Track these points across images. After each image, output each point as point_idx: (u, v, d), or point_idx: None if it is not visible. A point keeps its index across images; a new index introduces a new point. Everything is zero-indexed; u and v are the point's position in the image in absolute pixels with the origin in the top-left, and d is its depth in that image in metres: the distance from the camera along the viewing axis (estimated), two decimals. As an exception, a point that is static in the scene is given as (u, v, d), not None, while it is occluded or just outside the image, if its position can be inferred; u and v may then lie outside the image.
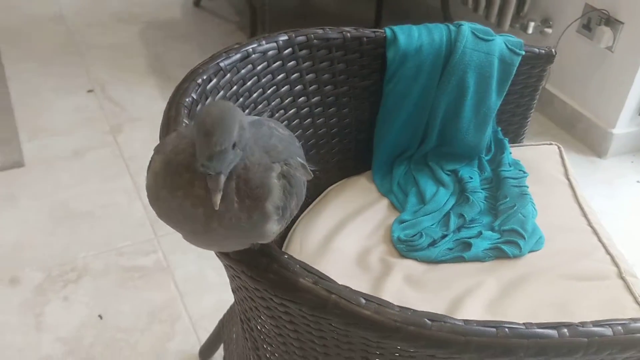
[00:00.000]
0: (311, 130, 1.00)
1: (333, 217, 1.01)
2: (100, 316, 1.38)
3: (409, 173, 1.07)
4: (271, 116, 0.92)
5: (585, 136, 1.99)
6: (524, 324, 0.57)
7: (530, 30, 2.00)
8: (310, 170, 0.82)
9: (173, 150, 0.52)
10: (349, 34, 0.97)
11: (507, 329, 0.56)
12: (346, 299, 0.55)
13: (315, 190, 1.06)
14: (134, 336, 1.33)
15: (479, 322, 0.56)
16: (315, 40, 0.95)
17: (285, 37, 0.92)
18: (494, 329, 0.56)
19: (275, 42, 0.91)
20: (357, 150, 1.08)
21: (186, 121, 0.72)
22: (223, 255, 0.60)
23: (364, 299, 0.56)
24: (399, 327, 0.54)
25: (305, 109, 0.97)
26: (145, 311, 1.39)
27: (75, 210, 1.64)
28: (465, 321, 0.56)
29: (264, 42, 0.90)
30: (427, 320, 0.55)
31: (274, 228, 0.56)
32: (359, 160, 1.09)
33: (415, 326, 0.55)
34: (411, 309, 0.57)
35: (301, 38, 0.94)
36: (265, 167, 0.54)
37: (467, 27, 1.01)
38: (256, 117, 0.63)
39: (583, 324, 0.57)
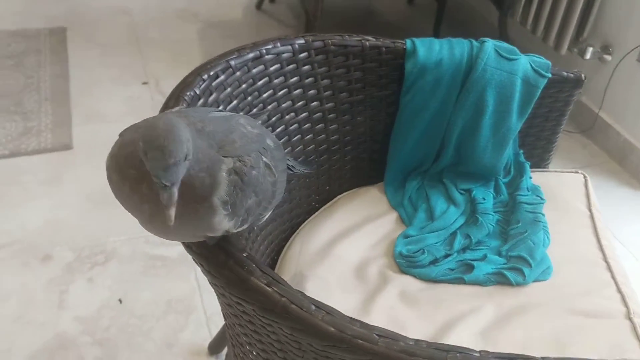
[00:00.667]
0: (323, 135, 0.99)
1: (339, 224, 1.00)
2: (120, 300, 1.42)
3: (421, 188, 1.05)
4: (281, 118, 0.93)
5: (636, 169, 1.89)
6: (479, 351, 0.55)
7: (588, 56, 1.93)
8: (302, 171, 0.82)
9: (130, 141, 0.53)
10: (367, 43, 0.97)
11: (458, 355, 0.54)
12: (296, 304, 0.55)
13: (325, 196, 1.05)
14: (149, 323, 1.36)
15: (430, 344, 0.54)
16: (332, 47, 0.95)
17: (302, 41, 0.92)
18: (445, 353, 0.54)
19: (291, 45, 0.91)
20: (371, 161, 1.07)
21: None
22: (186, 247, 0.61)
23: (315, 305, 0.55)
24: (344, 338, 0.53)
25: (318, 114, 0.97)
26: (163, 300, 1.42)
27: (112, 196, 1.70)
28: (416, 341, 0.54)
29: (279, 44, 0.90)
30: (375, 335, 0.54)
31: (224, 223, 0.56)
32: (373, 171, 1.08)
33: (362, 340, 0.54)
34: (361, 322, 0.55)
35: (318, 43, 0.94)
36: (214, 161, 0.54)
37: (490, 44, 0.98)
38: (229, 114, 0.63)
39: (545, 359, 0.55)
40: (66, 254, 1.51)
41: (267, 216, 0.67)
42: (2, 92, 2.02)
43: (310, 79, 0.95)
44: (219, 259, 0.57)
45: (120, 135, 0.56)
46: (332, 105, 0.98)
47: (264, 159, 0.61)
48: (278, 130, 0.92)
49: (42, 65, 2.17)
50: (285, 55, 0.91)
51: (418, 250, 0.95)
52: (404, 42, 0.99)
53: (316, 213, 1.04)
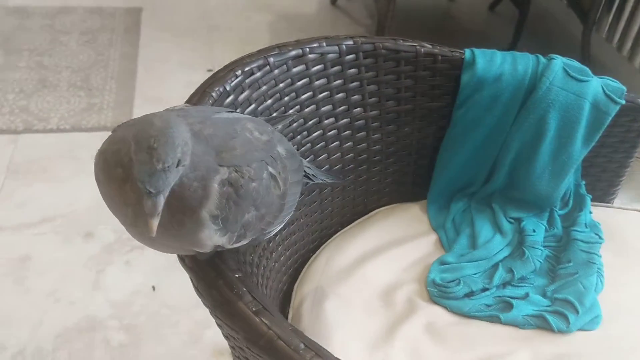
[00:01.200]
0: (364, 144, 0.93)
1: (371, 241, 0.94)
2: (153, 287, 1.40)
3: (467, 211, 0.97)
4: (319, 122, 0.87)
5: None
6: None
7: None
8: (324, 181, 0.76)
9: (121, 138, 0.48)
10: (422, 49, 0.89)
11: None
12: (283, 340, 0.49)
13: (361, 209, 0.99)
14: (178, 315, 1.34)
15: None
16: (383, 50, 0.88)
17: (350, 42, 0.86)
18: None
19: (338, 45, 0.85)
20: (416, 176, 1.00)
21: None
22: (179, 258, 0.56)
23: (304, 344, 0.49)
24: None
25: (361, 122, 0.91)
26: (195, 294, 1.40)
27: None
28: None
29: (324, 43, 0.84)
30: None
31: (214, 238, 0.50)
32: (416, 187, 1.00)
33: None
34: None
35: (368, 46, 0.87)
36: (208, 170, 0.49)
37: (559, 61, 0.89)
38: (237, 116, 0.58)
39: None
40: (108, 234, 1.51)
41: (275, 230, 0.61)
42: (72, 66, 2.05)
43: (355, 84, 0.88)
44: (208, 276, 0.52)
45: (114, 130, 0.52)
46: (377, 113, 0.92)
47: (270, 169, 0.56)
48: (314, 135, 0.86)
49: (114, 43, 2.20)
50: (330, 55, 0.85)
51: (453, 280, 0.87)
52: (462, 51, 0.91)
53: (349, 226, 0.97)
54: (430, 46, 0.90)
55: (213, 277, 0.52)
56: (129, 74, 2.07)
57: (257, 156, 0.54)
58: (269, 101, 0.79)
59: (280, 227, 0.63)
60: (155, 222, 0.44)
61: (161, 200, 0.44)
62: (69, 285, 1.38)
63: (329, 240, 0.95)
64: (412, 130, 0.95)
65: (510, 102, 0.90)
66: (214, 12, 2.53)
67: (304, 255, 0.92)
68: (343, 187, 0.94)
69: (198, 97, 0.70)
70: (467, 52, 0.91)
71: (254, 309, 0.50)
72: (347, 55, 0.86)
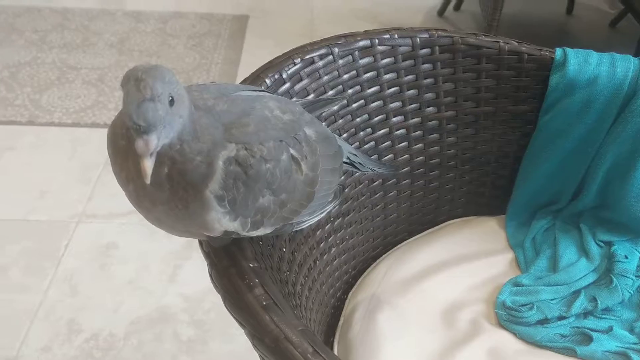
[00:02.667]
0: (436, 147, 0.86)
1: (439, 254, 0.86)
2: (227, 285, 1.40)
3: (550, 230, 0.87)
4: (386, 119, 0.81)
5: None
6: None
7: None
8: (372, 170, 0.70)
9: (121, 113, 0.45)
10: (506, 46, 0.81)
11: None
12: (290, 340, 0.43)
13: (431, 218, 0.91)
14: (247, 315, 1.32)
15: None
16: (462, 45, 0.81)
17: (425, 35, 0.80)
18: None
19: (411, 38, 0.79)
20: (494, 187, 0.91)
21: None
22: (199, 244, 0.53)
23: (314, 348, 0.43)
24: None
25: (433, 122, 0.84)
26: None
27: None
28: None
29: (396, 35, 0.79)
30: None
31: (223, 221, 0.46)
32: (494, 199, 0.91)
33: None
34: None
35: (445, 39, 0.81)
36: (214, 144, 0.45)
37: (666, 65, 0.77)
38: (260, 94, 0.54)
39: None
40: (190, 230, 1.53)
41: (309, 222, 0.57)
42: (177, 68, 2.13)
43: (429, 80, 0.82)
44: (221, 263, 0.48)
45: None
46: (453, 114, 0.84)
47: (292, 151, 0.51)
48: (380, 132, 0.81)
49: (218, 48, 2.26)
50: (402, 48, 0.79)
51: (526, 304, 0.78)
52: (552, 50, 0.82)
53: (417, 236, 0.90)
54: (516, 43, 0.82)
55: (226, 264, 0.48)
56: (230, 78, 2.11)
57: (273, 135, 0.50)
58: (330, 92, 0.74)
59: (316, 219, 0.58)
60: (147, 164, 0.40)
61: (154, 140, 0.40)
62: (148, 276, 1.41)
63: (393, 249, 0.89)
64: (491, 135, 0.87)
65: (605, 109, 0.80)
66: (318, 20, 2.53)
67: (363, 263, 0.86)
68: (411, 193, 0.87)
69: (250, 80, 0.67)
70: (558, 51, 0.81)
71: (263, 303, 0.45)
72: (422, 49, 0.80)
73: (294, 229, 0.56)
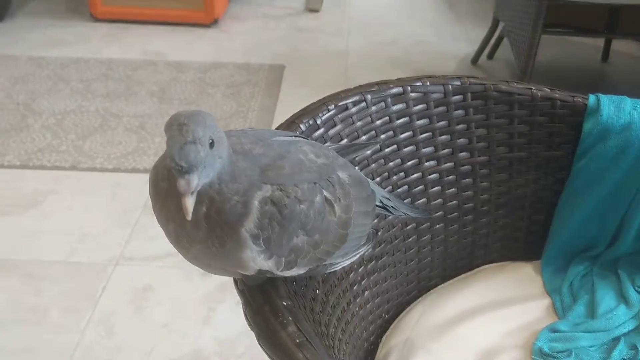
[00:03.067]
0: (470, 192, 0.86)
1: (474, 299, 0.86)
2: (260, 330, 1.40)
3: (588, 276, 0.86)
4: (418, 164, 0.82)
5: None
6: None
7: None
8: (405, 214, 0.70)
9: (163, 156, 0.48)
10: (539, 93, 0.82)
11: None
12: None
13: (465, 263, 0.91)
14: (280, 360, 1.32)
15: None
16: (494, 92, 0.82)
17: (457, 82, 0.82)
18: None
19: (444, 85, 0.81)
20: (529, 232, 0.91)
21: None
22: (234, 282, 0.54)
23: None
24: None
25: (467, 167, 0.85)
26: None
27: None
28: None
29: (428, 82, 0.81)
30: None
31: (257, 260, 0.48)
32: (529, 244, 0.91)
33: None
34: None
35: (477, 87, 0.82)
36: (250, 185, 0.47)
37: (703, 109, 0.77)
38: (295, 139, 0.55)
39: None
40: (224, 274, 1.54)
41: (341, 265, 0.58)
42: (215, 115, 2.18)
43: (462, 126, 0.83)
44: (256, 301, 0.49)
45: None
46: (486, 160, 0.85)
47: (325, 193, 0.52)
48: (413, 177, 0.82)
49: (255, 96, 2.32)
50: (435, 95, 0.81)
51: (564, 351, 0.76)
52: (586, 96, 0.82)
53: (450, 281, 0.90)
54: (548, 90, 0.83)
55: (260, 302, 0.49)
56: (265, 124, 2.16)
57: (307, 177, 0.52)
58: (363, 138, 0.76)
59: (349, 262, 0.59)
60: (189, 202, 0.42)
61: (195, 179, 0.42)
62: (182, 318, 1.42)
63: (427, 293, 0.88)
64: (525, 180, 0.87)
65: (640, 154, 0.80)
66: (353, 68, 2.59)
67: (397, 307, 0.86)
68: (445, 237, 0.88)
69: (285, 125, 0.69)
70: (591, 98, 0.82)
71: (297, 340, 0.46)
72: (454, 95, 0.82)
73: (327, 271, 0.57)
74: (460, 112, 0.82)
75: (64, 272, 1.51)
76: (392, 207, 0.67)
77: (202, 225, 0.46)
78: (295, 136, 0.58)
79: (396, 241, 0.83)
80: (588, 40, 2.64)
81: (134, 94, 2.26)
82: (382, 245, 0.81)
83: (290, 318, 0.48)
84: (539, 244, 0.90)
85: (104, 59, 2.49)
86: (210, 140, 0.43)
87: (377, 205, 0.64)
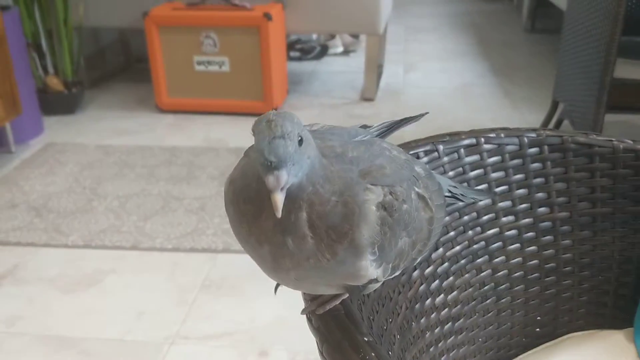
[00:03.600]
0: (551, 251, 0.81)
1: (561, 370, 0.78)
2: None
3: (689, 345, 0.77)
4: (495, 219, 0.78)
5: None
6: None
7: None
8: (475, 199, 0.67)
9: (251, 172, 0.46)
10: (621, 145, 0.78)
11: None
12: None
13: (549, 331, 0.84)
14: None
15: None
16: (572, 144, 0.79)
17: (533, 135, 0.79)
18: None
19: (519, 137, 0.78)
20: (618, 297, 0.83)
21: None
22: (307, 320, 0.50)
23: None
24: None
25: (547, 223, 0.80)
26: None
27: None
28: None
29: (502, 134, 0.78)
30: None
31: (370, 270, 0.45)
32: (618, 310, 0.83)
33: None
34: None
35: (554, 139, 0.79)
36: (350, 186, 0.45)
37: None
38: (370, 138, 0.54)
39: None
40: (281, 355, 1.48)
41: (419, 259, 0.55)
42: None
43: (539, 180, 0.79)
44: (334, 337, 0.45)
45: (246, 154, 0.49)
46: (567, 216, 0.80)
47: (417, 189, 0.50)
48: (489, 232, 0.77)
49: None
50: (509, 147, 0.78)
51: None
52: (672, 147, 0.78)
53: (532, 350, 0.82)
54: (630, 142, 0.78)
55: (339, 338, 0.45)
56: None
57: (405, 175, 0.50)
58: (437, 188, 0.73)
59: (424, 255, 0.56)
60: (279, 197, 0.40)
61: (284, 175, 0.40)
62: (237, 400, 1.36)
63: (507, 362, 0.81)
64: (612, 239, 0.81)
65: None
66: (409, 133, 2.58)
67: (469, 375, 0.79)
68: (526, 300, 0.81)
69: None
70: (679, 147, 0.77)
71: (381, 376, 0.42)
72: (530, 148, 0.78)
73: (411, 266, 0.55)
74: (537, 165, 0.79)
75: (120, 351, 1.48)
76: (461, 194, 0.65)
77: (307, 236, 0.43)
78: (366, 135, 0.56)
79: (473, 302, 0.77)
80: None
81: (196, 177, 2.31)
82: (459, 307, 0.76)
83: (372, 354, 0.43)
84: (629, 309, 0.82)
85: (168, 146, 2.58)
86: (299, 138, 0.42)
87: (446, 196, 0.61)
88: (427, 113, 0.67)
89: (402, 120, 0.63)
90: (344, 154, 0.48)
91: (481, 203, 0.77)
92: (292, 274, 0.46)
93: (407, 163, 0.52)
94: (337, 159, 0.46)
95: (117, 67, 3.59)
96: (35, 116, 2.67)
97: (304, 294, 0.54)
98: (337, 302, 0.50)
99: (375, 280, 0.48)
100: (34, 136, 2.65)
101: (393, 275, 0.50)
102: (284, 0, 2.85)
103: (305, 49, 3.77)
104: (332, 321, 0.47)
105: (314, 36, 3.90)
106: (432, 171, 0.59)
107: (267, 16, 2.63)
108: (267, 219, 0.43)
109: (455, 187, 0.65)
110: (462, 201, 0.66)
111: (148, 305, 1.63)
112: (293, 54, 3.75)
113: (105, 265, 1.80)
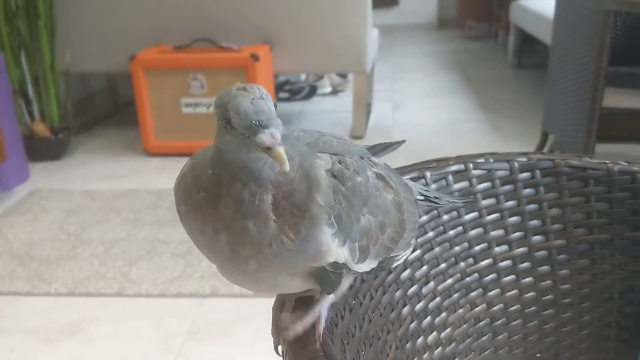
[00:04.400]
0: (549, 281, 0.76)
1: (565, 409, 0.72)
2: None
3: (701, 378, 0.72)
4: (488, 249, 0.74)
5: None
6: None
7: None
8: (459, 202, 0.67)
9: (200, 163, 0.44)
10: (615, 167, 0.75)
11: None
12: None
13: (551, 368, 0.79)
14: None
15: None
16: (565, 168, 0.75)
17: (523, 159, 0.75)
18: None
19: (508, 162, 0.75)
20: (621, 328, 0.78)
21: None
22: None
23: None
24: None
25: (542, 252, 0.76)
26: None
27: None
28: None
29: (491, 159, 0.75)
30: None
31: (332, 246, 0.42)
32: (622, 343, 0.78)
33: None
34: None
35: (546, 163, 0.75)
36: (305, 156, 0.43)
37: None
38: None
39: None
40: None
41: (402, 258, 0.53)
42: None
43: (533, 206, 0.75)
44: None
45: (194, 156, 0.47)
46: (564, 243, 0.76)
47: (373, 169, 0.49)
48: (482, 264, 0.73)
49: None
50: (500, 172, 0.74)
51: None
52: (669, 168, 0.74)
53: (535, 387, 0.77)
54: (625, 163, 0.75)
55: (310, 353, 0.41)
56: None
57: (356, 151, 0.49)
58: (424, 218, 0.69)
59: (407, 254, 0.54)
60: (281, 150, 0.38)
61: (277, 133, 0.38)
62: None
63: (508, 402, 0.76)
64: (611, 267, 0.77)
65: None
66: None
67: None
68: (524, 335, 0.76)
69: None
70: (677, 167, 0.74)
71: None
72: (521, 172, 0.75)
73: (393, 264, 0.53)
74: (529, 190, 0.75)
75: (102, 403, 1.41)
76: (435, 197, 0.62)
77: (269, 220, 0.40)
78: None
79: (468, 340, 0.72)
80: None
81: (182, 220, 2.26)
82: (453, 345, 0.71)
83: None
84: (633, 342, 0.77)
85: (155, 189, 2.54)
86: (274, 104, 0.40)
87: (419, 200, 0.60)
88: (404, 141, 0.65)
89: (376, 145, 0.62)
90: (289, 135, 0.47)
91: (472, 232, 0.73)
92: (251, 264, 0.42)
93: (361, 148, 0.52)
94: (283, 139, 0.43)
95: (105, 112, 3.57)
96: (20, 163, 2.63)
97: (274, 323, 0.50)
98: (312, 318, 0.46)
99: (345, 266, 0.44)
100: (19, 183, 2.61)
101: (365, 263, 0.47)
102: (271, 41, 2.86)
103: (294, 90, 3.77)
104: (296, 342, 0.43)
105: (303, 77, 3.91)
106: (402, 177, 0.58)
107: (254, 57, 2.62)
108: (227, 206, 0.41)
109: (427, 190, 0.64)
110: (436, 203, 0.64)
111: (132, 354, 1.56)
112: (282, 94, 3.75)
113: (88, 314, 1.74)
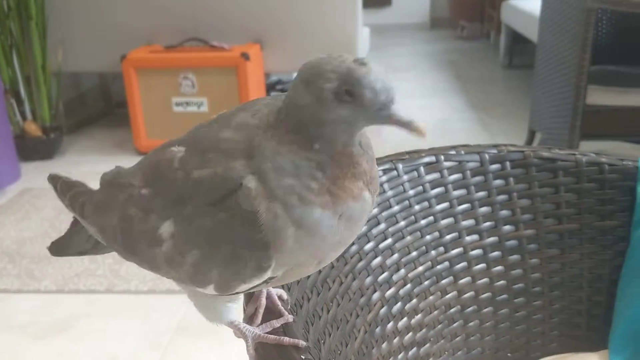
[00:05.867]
0: (519, 270, 0.78)
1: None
2: None
3: (667, 363, 0.74)
4: (459, 238, 0.76)
5: None
6: None
7: None
8: None
9: (275, 167, 0.44)
10: (584, 158, 0.77)
11: None
12: None
13: (522, 356, 0.80)
14: None
15: None
16: (535, 159, 0.77)
17: (494, 151, 0.77)
18: None
19: (479, 153, 0.77)
20: (591, 316, 0.80)
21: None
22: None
23: None
24: None
25: (512, 242, 0.78)
26: None
27: None
28: None
29: (462, 151, 0.76)
30: None
31: None
32: (591, 331, 0.80)
33: None
34: None
35: (516, 154, 0.77)
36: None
37: None
38: None
39: None
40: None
41: None
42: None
43: (503, 197, 0.77)
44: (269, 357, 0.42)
45: (256, 172, 0.44)
46: (533, 233, 0.78)
47: None
48: (453, 252, 0.75)
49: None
50: (470, 164, 0.76)
51: None
52: (635, 160, 0.76)
53: (506, 375, 0.79)
54: (594, 154, 0.77)
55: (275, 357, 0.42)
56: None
57: None
58: (396, 207, 0.71)
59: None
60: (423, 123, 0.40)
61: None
62: None
63: (479, 390, 0.77)
64: (580, 256, 0.79)
65: None
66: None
67: (446, 405, 0.75)
68: (495, 323, 0.78)
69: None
70: (642, 160, 0.76)
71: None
72: (492, 164, 0.77)
73: None
74: (499, 181, 0.77)
75: (90, 397, 1.42)
76: None
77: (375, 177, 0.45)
78: None
79: (439, 326, 0.74)
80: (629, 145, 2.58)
81: (173, 218, 2.27)
82: (424, 331, 0.73)
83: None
84: (603, 329, 0.79)
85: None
86: None
87: None
88: None
89: None
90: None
91: (443, 222, 0.75)
92: (365, 218, 0.46)
93: None
94: None
95: (97, 112, 3.58)
96: (12, 162, 2.63)
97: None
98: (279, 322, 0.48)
99: None
100: (10, 182, 2.61)
101: None
102: (262, 41, 2.88)
103: (285, 90, 3.78)
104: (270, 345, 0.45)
105: (294, 76, 3.92)
106: None
107: (245, 56, 2.64)
108: (357, 178, 0.43)
109: None
110: None
111: (121, 350, 1.58)
112: (274, 94, 3.76)
113: (78, 310, 1.75)
